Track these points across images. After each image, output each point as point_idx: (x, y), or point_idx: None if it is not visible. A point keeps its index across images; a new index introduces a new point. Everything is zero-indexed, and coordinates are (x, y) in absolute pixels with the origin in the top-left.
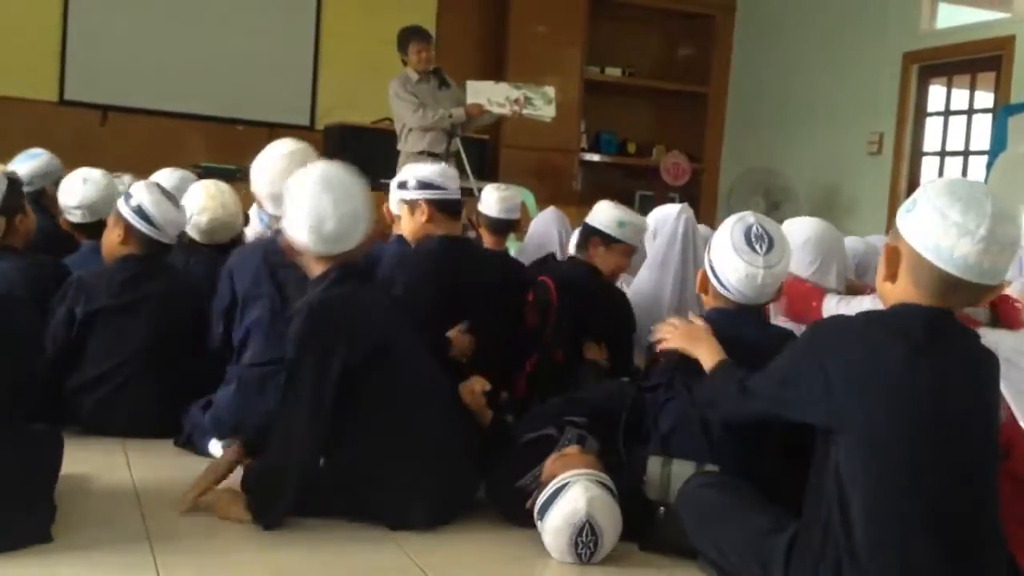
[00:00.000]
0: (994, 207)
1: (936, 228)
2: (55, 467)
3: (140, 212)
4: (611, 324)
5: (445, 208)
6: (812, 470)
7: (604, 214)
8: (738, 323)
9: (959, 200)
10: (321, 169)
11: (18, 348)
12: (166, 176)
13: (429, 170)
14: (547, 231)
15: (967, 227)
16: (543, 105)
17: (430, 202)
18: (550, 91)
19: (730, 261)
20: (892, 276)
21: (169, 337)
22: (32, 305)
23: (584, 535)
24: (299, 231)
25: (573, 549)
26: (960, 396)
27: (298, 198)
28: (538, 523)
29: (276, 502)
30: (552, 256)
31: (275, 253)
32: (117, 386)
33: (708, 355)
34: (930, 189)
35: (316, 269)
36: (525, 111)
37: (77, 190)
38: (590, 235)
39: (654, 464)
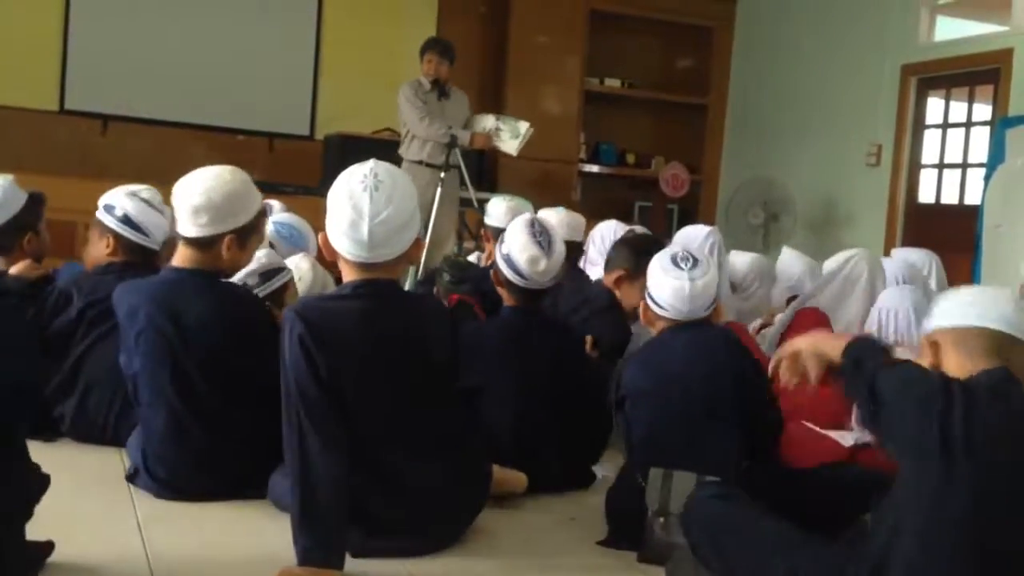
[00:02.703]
0: None
1: (963, 305)
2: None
3: (127, 221)
4: None
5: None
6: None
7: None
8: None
9: None
10: (370, 165)
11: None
12: None
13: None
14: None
15: None
16: (508, 138)
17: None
18: (522, 126)
19: (660, 280)
20: (938, 366)
21: None
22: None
23: (536, 227)
24: (334, 232)
25: (532, 238)
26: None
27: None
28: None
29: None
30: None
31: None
32: (91, 392)
33: (835, 349)
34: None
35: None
36: (494, 141)
37: None
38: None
39: (655, 476)
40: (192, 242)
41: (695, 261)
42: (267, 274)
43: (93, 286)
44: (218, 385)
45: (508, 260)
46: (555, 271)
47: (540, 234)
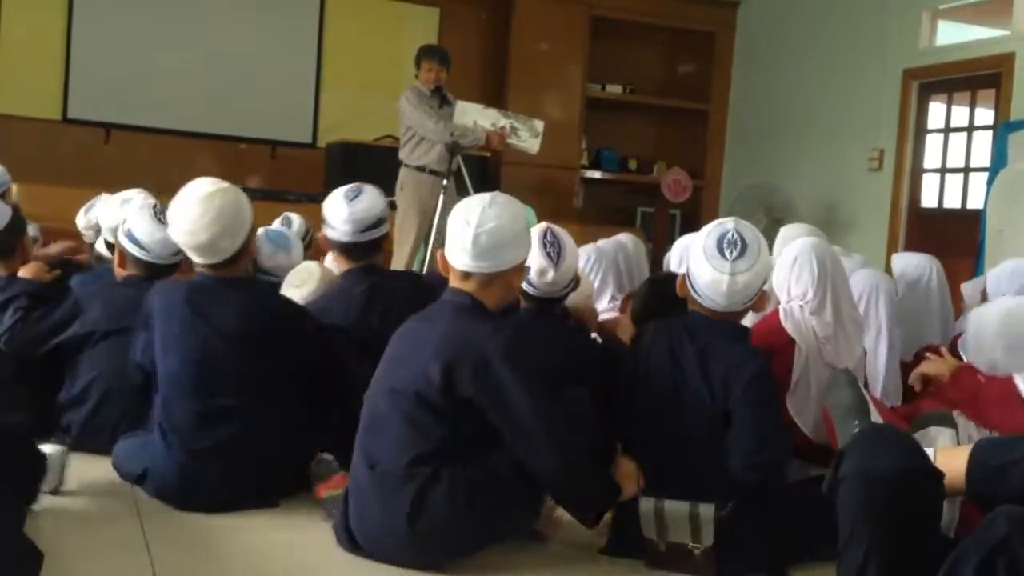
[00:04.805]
0: None
1: None
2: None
3: (130, 236)
4: None
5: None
6: None
7: None
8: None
9: None
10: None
11: None
12: None
13: None
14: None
15: None
16: (528, 137)
17: None
18: (539, 125)
19: (700, 266)
20: None
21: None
22: None
23: (548, 236)
24: (447, 244)
25: (543, 249)
26: None
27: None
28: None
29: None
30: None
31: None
32: (103, 404)
33: None
34: None
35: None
36: (509, 140)
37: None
38: None
39: (646, 504)
40: (219, 265)
41: (743, 248)
42: None
43: (107, 299)
44: (249, 385)
45: None
46: (564, 282)
47: (551, 245)
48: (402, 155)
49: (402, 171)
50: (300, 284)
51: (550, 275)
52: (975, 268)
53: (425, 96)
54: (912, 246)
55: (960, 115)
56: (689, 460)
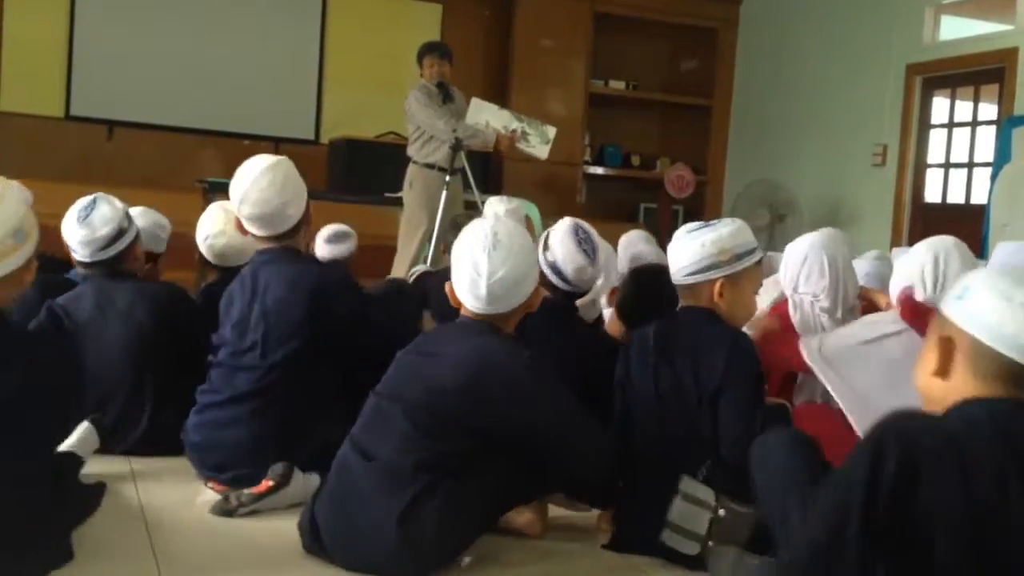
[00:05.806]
0: None
1: (1000, 313)
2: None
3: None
4: None
5: None
6: None
7: None
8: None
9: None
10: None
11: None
12: None
13: None
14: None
15: None
16: (538, 144)
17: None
18: (550, 131)
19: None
20: (944, 371)
21: (144, 352)
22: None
23: (580, 233)
24: (457, 286)
25: (579, 247)
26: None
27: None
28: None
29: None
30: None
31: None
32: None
33: None
34: (984, 274)
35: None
36: (518, 144)
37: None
38: None
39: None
40: (285, 235)
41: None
42: None
43: (69, 302)
44: (277, 351)
45: (554, 267)
46: (599, 275)
47: (585, 241)
48: (410, 152)
49: (411, 168)
50: None
51: (589, 271)
52: None
53: (434, 94)
54: (915, 242)
55: (964, 110)
56: (681, 452)
